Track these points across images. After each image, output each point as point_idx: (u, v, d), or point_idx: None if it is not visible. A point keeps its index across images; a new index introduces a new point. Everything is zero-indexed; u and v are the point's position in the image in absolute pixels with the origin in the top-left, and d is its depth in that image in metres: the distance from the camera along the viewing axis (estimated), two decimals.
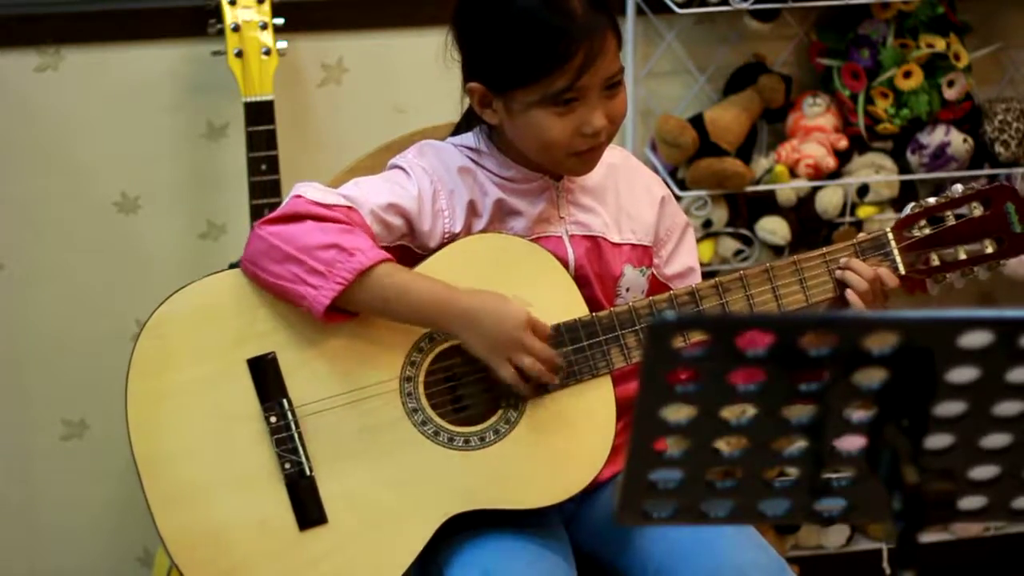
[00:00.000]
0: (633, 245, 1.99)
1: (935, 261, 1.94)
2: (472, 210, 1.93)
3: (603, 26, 1.82)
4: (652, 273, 2.01)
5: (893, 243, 1.93)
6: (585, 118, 1.84)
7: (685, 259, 2.04)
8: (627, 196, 2.00)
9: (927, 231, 1.93)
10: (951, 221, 1.93)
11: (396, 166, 1.96)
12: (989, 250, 1.93)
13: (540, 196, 1.95)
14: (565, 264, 1.92)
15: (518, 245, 1.91)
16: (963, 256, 1.93)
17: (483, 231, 1.93)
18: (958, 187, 1.94)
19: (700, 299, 1.90)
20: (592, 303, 1.92)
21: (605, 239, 1.97)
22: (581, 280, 1.93)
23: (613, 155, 2.00)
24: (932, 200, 1.94)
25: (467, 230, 1.92)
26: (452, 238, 1.91)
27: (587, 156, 1.89)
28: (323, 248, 1.81)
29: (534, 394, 1.86)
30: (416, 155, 1.96)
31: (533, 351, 1.82)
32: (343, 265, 1.81)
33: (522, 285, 1.88)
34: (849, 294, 1.90)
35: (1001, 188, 1.92)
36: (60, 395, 2.81)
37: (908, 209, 1.95)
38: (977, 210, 1.92)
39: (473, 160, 1.95)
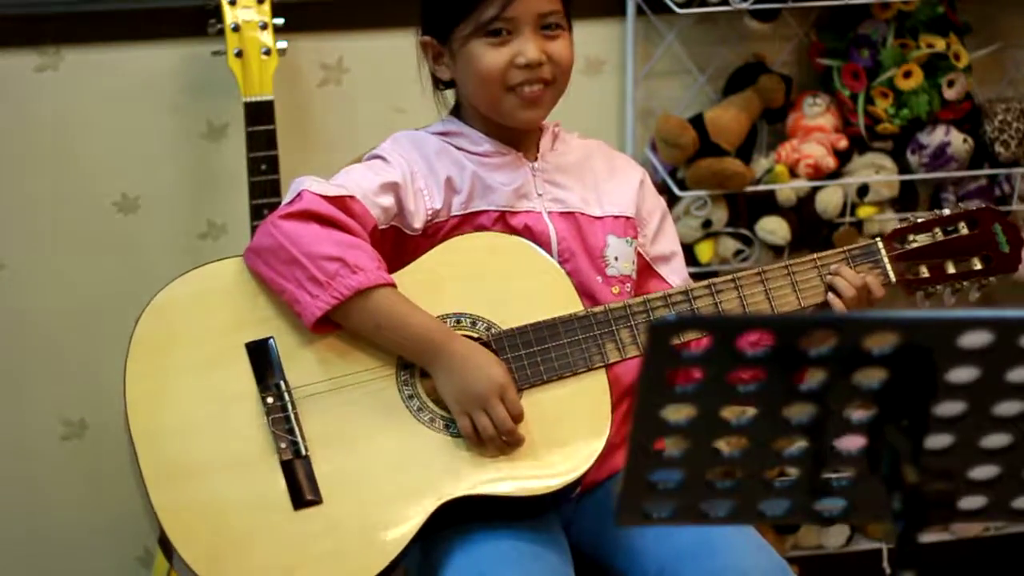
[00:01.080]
0: (615, 216, 2.04)
1: (924, 272, 2.00)
2: (450, 186, 1.97)
3: None
4: (637, 248, 2.05)
5: (883, 252, 1.99)
6: (519, 48, 1.92)
7: (668, 243, 2.11)
8: (605, 175, 2.06)
9: (916, 244, 1.99)
10: (940, 236, 1.99)
11: (373, 156, 2.01)
12: (977, 267, 2.00)
13: (516, 172, 2.00)
14: (548, 239, 1.97)
15: (512, 242, 1.95)
16: (952, 270, 1.99)
17: (474, 224, 1.97)
18: (946, 210, 2.01)
19: (694, 299, 1.94)
20: (580, 275, 1.97)
21: (583, 214, 2.02)
22: (566, 254, 1.98)
23: (589, 143, 2.09)
24: (920, 218, 2.00)
25: (448, 207, 1.97)
26: (435, 214, 1.96)
27: (527, 95, 1.94)
28: (329, 259, 1.84)
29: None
30: (390, 144, 2.02)
31: (493, 415, 1.83)
32: (343, 280, 1.83)
33: (516, 281, 1.93)
34: (831, 297, 1.95)
35: (987, 211, 2.00)
36: (60, 395, 2.81)
37: (897, 223, 2.02)
38: (964, 229, 1.99)
39: (447, 142, 2.01)
